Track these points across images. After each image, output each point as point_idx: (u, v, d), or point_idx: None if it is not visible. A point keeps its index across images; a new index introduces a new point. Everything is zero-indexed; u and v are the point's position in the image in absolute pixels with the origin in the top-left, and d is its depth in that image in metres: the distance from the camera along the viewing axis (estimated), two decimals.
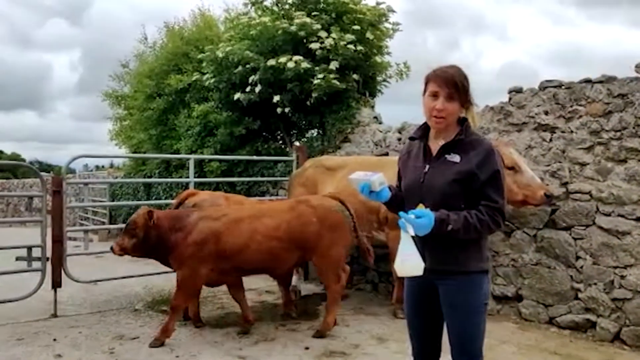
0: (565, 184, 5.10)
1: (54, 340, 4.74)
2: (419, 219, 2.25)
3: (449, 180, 2.36)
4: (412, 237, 2.28)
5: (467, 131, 2.43)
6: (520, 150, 5.41)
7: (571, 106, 5.09)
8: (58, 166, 5.90)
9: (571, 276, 5.02)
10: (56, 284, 5.65)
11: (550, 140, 5.26)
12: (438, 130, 2.45)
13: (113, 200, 13.25)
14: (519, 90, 5.56)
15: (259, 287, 6.95)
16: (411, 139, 2.63)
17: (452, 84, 2.36)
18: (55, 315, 5.54)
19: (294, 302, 5.81)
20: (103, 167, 26.69)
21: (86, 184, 13.52)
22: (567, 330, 4.95)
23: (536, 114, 5.36)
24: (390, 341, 4.70)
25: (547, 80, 5.34)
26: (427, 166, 2.46)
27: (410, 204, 2.45)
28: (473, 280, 2.40)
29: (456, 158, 2.38)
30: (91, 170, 21.92)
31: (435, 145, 2.47)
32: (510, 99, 5.63)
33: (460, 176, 2.34)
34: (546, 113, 5.29)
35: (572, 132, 5.09)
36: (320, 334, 4.78)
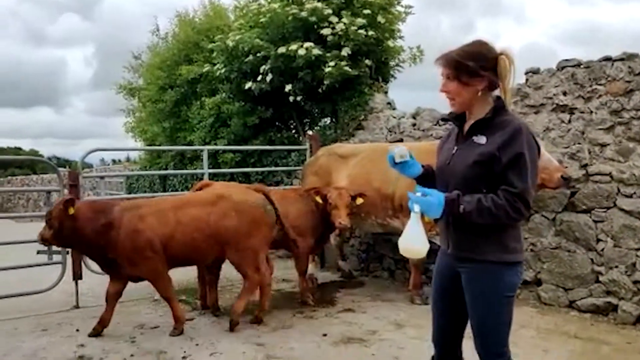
0: (585, 166, 5.01)
1: (77, 330, 4.81)
2: (426, 198, 2.20)
3: (470, 162, 2.27)
4: (422, 219, 2.24)
5: (499, 111, 2.29)
6: (538, 133, 5.33)
7: (590, 86, 4.98)
8: (75, 161, 5.97)
9: (592, 259, 4.95)
10: (77, 276, 5.73)
11: (569, 121, 5.16)
12: (459, 111, 2.40)
13: (130, 194, 13.36)
14: (536, 71, 5.45)
15: (276, 276, 6.95)
16: (443, 119, 2.61)
17: (450, 64, 2.31)
18: (77, 307, 5.63)
19: (311, 289, 5.82)
20: (120, 161, 26.97)
21: (102, 177, 13.63)
22: (588, 314, 4.88)
23: (554, 94, 5.26)
24: (407, 327, 4.68)
25: (564, 60, 5.23)
26: (456, 148, 2.40)
27: (439, 187, 2.40)
28: (491, 271, 2.28)
29: (482, 140, 2.27)
30: (108, 165, 22.12)
31: (467, 126, 2.40)
32: (527, 80, 5.52)
33: (482, 158, 2.23)
34: (564, 93, 5.19)
35: (591, 112, 4.98)
36: (233, 323, 4.70)
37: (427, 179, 2.53)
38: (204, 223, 4.59)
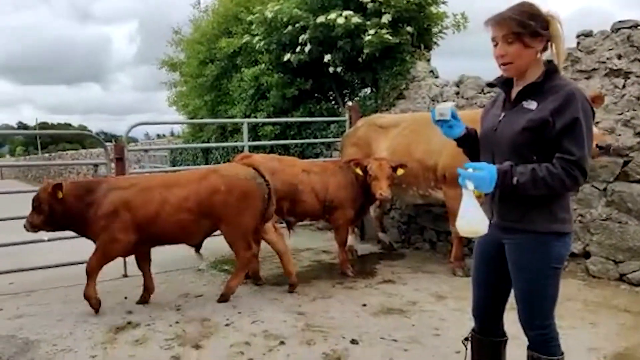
0: (639, 134, 4.76)
1: (125, 298, 4.97)
2: (478, 173, 2.08)
3: (519, 129, 2.15)
4: (479, 193, 2.12)
5: (551, 75, 2.17)
6: None
7: None
8: (121, 136, 6.11)
9: None
10: None
11: (624, 86, 4.90)
12: (516, 76, 2.25)
13: (174, 167, 13.62)
14: (588, 34, 5.18)
15: (317, 247, 6.99)
16: (489, 85, 2.48)
17: (506, 26, 2.13)
18: (125, 276, 5.80)
19: (350, 261, 5.81)
20: (164, 135, 27.49)
21: (146, 150, 13.94)
22: (639, 288, 4.69)
23: (608, 58, 4.99)
24: (448, 299, 4.62)
25: (619, 21, 4.93)
26: (503, 114, 2.28)
27: (482, 156, 2.32)
28: (539, 241, 2.18)
29: (532, 105, 2.15)
30: (152, 139, 22.57)
31: (515, 92, 2.28)
32: (578, 44, 5.26)
33: (532, 124, 2.11)
34: (619, 57, 4.92)
35: None
36: (223, 298, 4.72)
37: (468, 142, 2.43)
38: (192, 202, 4.52)
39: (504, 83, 2.33)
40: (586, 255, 5.15)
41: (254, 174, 4.75)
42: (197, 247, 4.85)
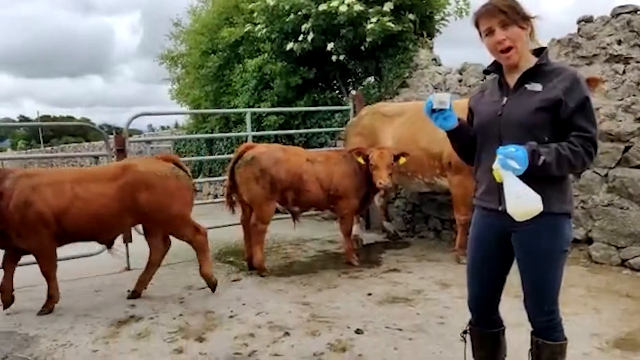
0: None
1: (128, 291, 4.97)
2: (517, 152, 2.05)
3: (531, 109, 2.18)
4: (496, 176, 2.11)
5: (548, 59, 2.25)
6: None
7: None
8: (122, 128, 6.10)
9: None
10: (127, 239, 5.91)
11: (624, 72, 4.89)
12: (516, 64, 2.27)
13: None
14: (588, 20, 5.16)
15: (322, 237, 7.03)
16: (485, 72, 2.49)
17: (498, 11, 2.18)
18: (128, 269, 5.84)
19: (356, 250, 5.85)
20: (168, 127, 27.49)
21: (148, 142, 13.90)
22: None
23: (608, 44, 4.98)
24: (453, 286, 4.65)
25: (620, 7, 4.92)
26: (505, 98, 2.29)
27: (486, 144, 2.32)
28: (555, 223, 2.21)
29: (537, 87, 2.20)
30: (156, 131, 22.58)
31: (511, 78, 2.30)
32: (579, 29, 5.24)
33: (546, 104, 2.15)
34: (619, 42, 4.91)
35: None
36: (211, 287, 4.75)
37: (460, 134, 2.44)
38: (109, 198, 4.36)
39: (497, 70, 2.38)
40: (589, 241, 5.18)
41: (172, 168, 4.64)
42: (109, 244, 4.74)
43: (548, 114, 2.16)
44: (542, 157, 2.08)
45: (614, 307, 3.97)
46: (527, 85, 2.23)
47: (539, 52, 2.28)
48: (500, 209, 2.27)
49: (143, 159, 5.03)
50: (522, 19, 2.21)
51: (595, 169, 5.07)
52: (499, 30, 2.20)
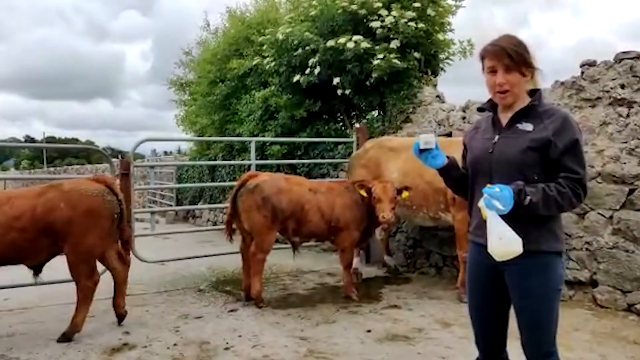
0: None
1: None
2: (501, 192, 2.08)
3: (522, 148, 2.21)
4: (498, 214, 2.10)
5: (541, 100, 2.30)
6: (595, 127, 5.10)
7: None
8: (128, 152, 6.13)
9: None
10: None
11: (628, 115, 4.91)
12: (509, 105, 2.32)
13: (180, 184, 13.65)
14: (592, 64, 5.21)
15: (321, 269, 6.95)
16: (479, 109, 2.52)
17: (505, 55, 2.23)
18: None
19: (355, 284, 5.77)
20: (171, 152, 27.59)
21: (152, 166, 13.98)
22: None
23: (611, 88, 5.01)
24: (455, 326, 4.56)
25: (623, 52, 4.98)
26: (497, 136, 2.33)
27: (477, 180, 2.34)
28: (545, 262, 2.21)
29: (529, 127, 2.24)
30: (159, 156, 22.66)
31: (504, 116, 2.35)
32: (582, 72, 5.29)
33: (536, 144, 2.19)
34: (622, 87, 4.94)
35: None
36: (66, 337, 4.27)
37: (450, 171, 2.46)
38: (27, 220, 4.12)
39: (491, 108, 2.42)
40: (593, 284, 5.10)
41: (101, 190, 4.36)
42: (37, 269, 4.48)
43: (537, 154, 2.20)
44: (529, 197, 2.10)
45: (621, 355, 3.86)
46: (519, 125, 2.28)
47: (534, 92, 2.33)
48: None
49: (73, 180, 4.80)
50: (525, 66, 2.26)
51: (599, 211, 5.03)
52: (501, 73, 2.25)
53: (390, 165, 6.09)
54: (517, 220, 2.12)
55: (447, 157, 2.44)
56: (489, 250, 2.15)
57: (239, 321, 4.77)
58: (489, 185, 2.15)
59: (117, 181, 4.97)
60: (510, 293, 2.30)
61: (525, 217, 2.14)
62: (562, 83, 5.44)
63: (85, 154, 54.92)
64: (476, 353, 2.59)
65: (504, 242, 2.09)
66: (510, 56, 2.22)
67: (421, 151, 2.37)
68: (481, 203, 2.14)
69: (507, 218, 2.11)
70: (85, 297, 4.36)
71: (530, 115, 2.27)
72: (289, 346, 4.12)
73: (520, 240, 2.08)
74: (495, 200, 2.08)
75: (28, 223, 4.13)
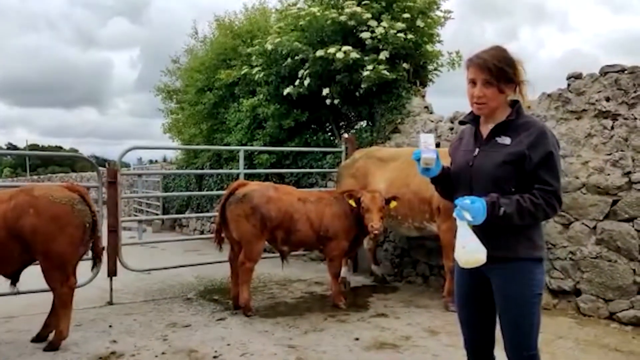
0: (628, 174, 4.85)
1: (110, 326, 4.90)
2: (473, 204, 2.18)
3: (498, 162, 2.28)
4: (469, 225, 2.20)
5: (519, 113, 2.35)
6: (580, 139, 5.20)
7: (635, 92, 4.83)
8: (113, 160, 6.07)
9: (634, 270, 4.77)
10: (111, 272, 5.83)
11: (612, 127, 5.01)
12: (487, 115, 2.39)
13: (166, 192, 13.59)
14: (578, 76, 5.32)
15: (309, 278, 6.97)
16: (461, 122, 2.59)
17: (486, 70, 2.29)
18: (110, 303, 5.73)
19: (343, 293, 5.79)
20: (156, 161, 27.43)
21: (140, 175, 13.91)
22: (630, 327, 4.70)
23: (597, 100, 5.12)
24: (442, 334, 4.61)
25: (608, 66, 5.08)
26: (477, 150, 2.39)
27: (459, 190, 2.40)
28: (524, 268, 2.29)
29: (507, 140, 2.30)
30: (145, 164, 22.54)
31: (485, 129, 2.42)
32: (569, 85, 5.39)
33: (511, 158, 2.26)
34: (607, 99, 5.04)
35: (635, 119, 4.82)
36: (53, 346, 4.22)
37: (442, 179, 2.50)
38: None
39: (473, 120, 2.47)
40: (577, 292, 5.18)
41: (72, 198, 4.28)
42: (13, 278, 4.39)
43: (513, 167, 2.26)
44: (502, 209, 2.18)
45: None
46: (497, 139, 2.34)
47: (516, 102, 2.38)
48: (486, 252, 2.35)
49: (44, 185, 4.74)
50: (505, 81, 2.30)
51: (583, 221, 5.13)
52: (479, 86, 2.31)
53: (377, 175, 6.14)
54: (496, 229, 2.25)
55: (443, 167, 2.46)
56: (455, 257, 2.28)
57: (227, 330, 4.78)
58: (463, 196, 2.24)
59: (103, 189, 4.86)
60: (494, 297, 2.38)
61: (503, 226, 2.24)
62: (549, 95, 5.55)
63: (70, 162, 54.36)
64: None
65: (467, 251, 2.22)
66: (490, 71, 2.28)
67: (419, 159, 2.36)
68: (454, 214, 2.23)
69: (484, 228, 2.21)
70: (64, 303, 4.26)
71: (509, 128, 2.32)
72: (277, 354, 4.13)
73: (484, 250, 2.19)
74: (465, 211, 2.18)
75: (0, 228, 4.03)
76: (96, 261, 4.76)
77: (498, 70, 2.28)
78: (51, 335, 4.34)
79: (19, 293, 4.77)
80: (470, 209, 2.17)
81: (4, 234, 4.04)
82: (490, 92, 2.30)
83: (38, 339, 4.42)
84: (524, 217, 2.20)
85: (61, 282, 4.22)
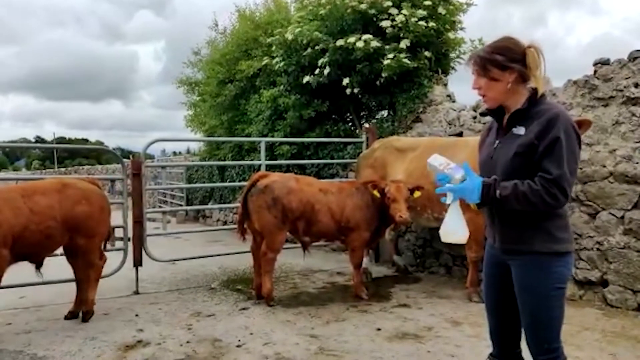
0: None
1: (136, 315, 4.98)
2: (459, 185, 2.24)
3: (511, 154, 2.24)
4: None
5: (534, 101, 2.26)
6: (607, 127, 5.08)
7: None
8: (138, 152, 6.17)
9: None
10: (137, 262, 5.93)
11: None
12: (505, 105, 2.35)
13: (189, 184, 13.73)
14: (605, 62, 5.18)
15: (331, 269, 6.98)
16: (482, 114, 2.57)
17: (476, 62, 2.32)
18: (137, 293, 5.83)
19: (365, 283, 5.79)
20: (180, 153, 27.71)
21: (163, 167, 14.05)
22: None
23: (625, 86, 4.99)
24: (464, 324, 4.58)
25: (637, 50, 4.95)
26: (497, 141, 2.37)
27: None
28: (540, 262, 2.24)
29: (521, 130, 2.26)
30: (169, 156, 22.78)
31: (505, 120, 2.39)
32: (595, 71, 5.26)
33: (522, 149, 2.20)
34: (636, 85, 4.91)
35: None
36: (89, 314, 4.81)
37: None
38: (55, 211, 4.47)
39: (495, 112, 2.42)
40: (604, 283, 5.09)
41: (102, 191, 5.06)
42: (39, 264, 4.73)
43: (523, 159, 2.21)
44: (498, 191, 2.17)
45: (631, 354, 3.85)
46: (513, 129, 2.30)
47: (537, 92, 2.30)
48: (495, 244, 2.40)
49: (76, 179, 5.17)
50: (498, 69, 2.27)
51: (611, 211, 5.02)
52: (475, 79, 2.36)
53: (396, 166, 6.10)
54: (514, 222, 2.26)
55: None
56: (439, 232, 2.41)
57: (250, 319, 4.82)
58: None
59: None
60: (514, 290, 2.35)
61: (520, 219, 2.23)
62: (575, 82, 5.42)
63: (96, 154, 55.25)
64: (485, 351, 2.62)
65: (445, 229, 2.37)
66: (476, 62, 2.32)
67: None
68: (436, 190, 2.39)
69: (500, 220, 2.32)
70: (98, 275, 4.97)
71: (525, 117, 2.27)
72: (300, 344, 4.15)
73: (461, 232, 2.31)
74: (448, 193, 2.29)
75: (56, 214, 4.48)
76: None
77: (483, 60, 2.29)
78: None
79: (50, 282, 5.26)
80: (453, 190, 2.25)
81: (59, 221, 4.49)
82: (482, 83, 2.32)
83: (71, 315, 4.89)
84: (520, 201, 2.14)
85: (100, 257, 4.95)
